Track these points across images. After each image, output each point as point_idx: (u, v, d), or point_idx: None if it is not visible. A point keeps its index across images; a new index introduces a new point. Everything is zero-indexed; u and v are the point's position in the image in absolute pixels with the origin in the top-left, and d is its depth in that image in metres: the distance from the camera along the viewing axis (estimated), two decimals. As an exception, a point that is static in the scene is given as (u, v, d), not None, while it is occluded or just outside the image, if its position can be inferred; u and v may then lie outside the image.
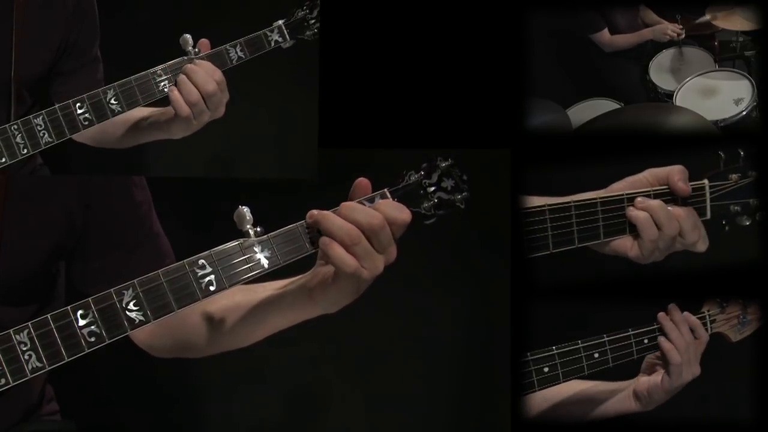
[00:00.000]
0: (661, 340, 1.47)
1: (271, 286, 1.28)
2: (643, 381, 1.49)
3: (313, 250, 1.18)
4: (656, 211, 1.30)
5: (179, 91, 1.51)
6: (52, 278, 1.45)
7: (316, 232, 1.17)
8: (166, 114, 1.56)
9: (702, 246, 1.34)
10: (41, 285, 1.43)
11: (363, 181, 1.20)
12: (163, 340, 1.41)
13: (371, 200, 1.19)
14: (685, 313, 1.49)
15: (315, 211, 1.17)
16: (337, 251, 1.15)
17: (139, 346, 1.43)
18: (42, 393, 1.47)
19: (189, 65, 1.52)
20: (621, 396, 1.50)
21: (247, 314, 1.29)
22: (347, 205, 1.17)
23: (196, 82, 1.51)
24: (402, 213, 1.17)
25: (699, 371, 1.48)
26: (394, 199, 1.20)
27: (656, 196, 1.31)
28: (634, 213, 1.31)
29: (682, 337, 1.47)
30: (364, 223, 1.15)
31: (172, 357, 1.44)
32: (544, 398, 1.50)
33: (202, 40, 1.54)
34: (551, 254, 1.34)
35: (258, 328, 1.30)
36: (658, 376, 1.47)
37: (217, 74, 1.52)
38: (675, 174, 1.32)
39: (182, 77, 1.51)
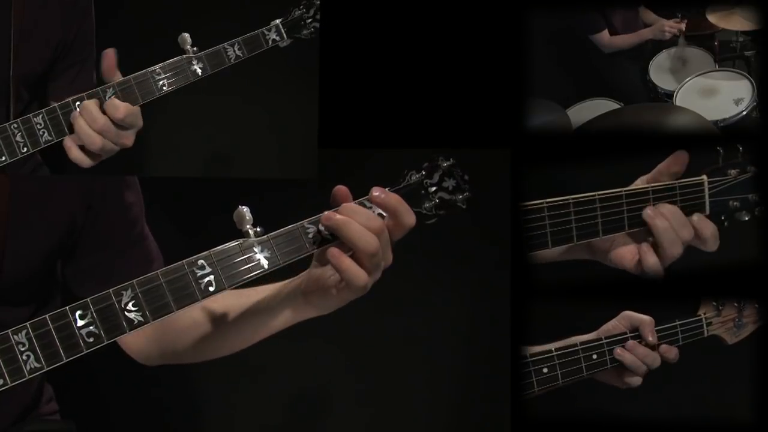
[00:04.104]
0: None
1: (264, 289, 1.26)
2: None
3: (313, 251, 1.16)
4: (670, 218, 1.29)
5: (81, 146, 1.46)
6: (51, 277, 1.45)
7: (317, 233, 1.16)
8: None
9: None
10: (42, 284, 1.43)
11: (341, 190, 1.17)
12: (150, 349, 1.41)
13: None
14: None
15: (333, 216, 1.13)
16: (350, 266, 1.13)
17: (130, 356, 1.43)
18: (40, 392, 1.47)
19: (74, 115, 1.45)
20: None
21: (239, 319, 1.28)
22: (349, 207, 1.15)
23: (86, 132, 1.44)
24: (410, 217, 1.15)
25: None
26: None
27: (654, 192, 1.30)
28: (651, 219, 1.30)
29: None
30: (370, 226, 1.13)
31: (162, 364, 1.44)
32: None
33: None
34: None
35: (250, 333, 1.29)
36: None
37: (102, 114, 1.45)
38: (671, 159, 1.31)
39: (76, 130, 1.45)
